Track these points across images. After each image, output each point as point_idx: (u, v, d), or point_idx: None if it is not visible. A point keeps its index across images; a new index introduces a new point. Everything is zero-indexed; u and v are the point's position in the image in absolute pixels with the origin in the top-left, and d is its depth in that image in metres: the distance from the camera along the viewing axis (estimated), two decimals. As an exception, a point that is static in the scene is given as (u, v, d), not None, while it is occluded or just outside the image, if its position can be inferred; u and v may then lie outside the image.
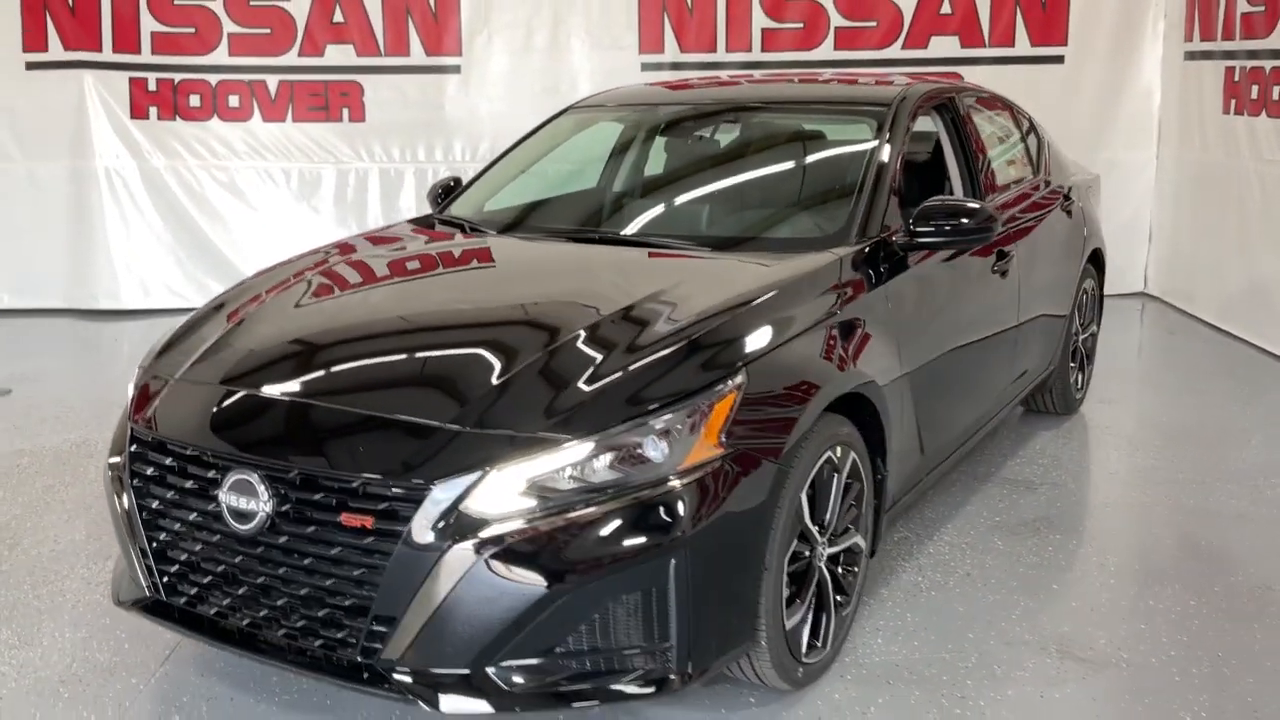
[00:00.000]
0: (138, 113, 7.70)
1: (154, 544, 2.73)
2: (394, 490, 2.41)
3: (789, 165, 3.90)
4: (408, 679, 2.42)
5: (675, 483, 2.45)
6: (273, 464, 2.52)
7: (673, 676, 2.51)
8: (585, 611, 2.41)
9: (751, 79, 5.03)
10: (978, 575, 3.65)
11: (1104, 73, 7.78)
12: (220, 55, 7.71)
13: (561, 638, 2.42)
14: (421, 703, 2.42)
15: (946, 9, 7.66)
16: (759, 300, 2.89)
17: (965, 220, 3.44)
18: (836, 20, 7.68)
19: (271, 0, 7.67)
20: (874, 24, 7.69)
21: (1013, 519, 4.09)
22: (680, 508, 2.44)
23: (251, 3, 7.66)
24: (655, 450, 2.48)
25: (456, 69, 7.75)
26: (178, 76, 7.70)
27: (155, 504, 2.71)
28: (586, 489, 2.42)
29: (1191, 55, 7.39)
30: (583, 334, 2.74)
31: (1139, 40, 7.76)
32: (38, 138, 7.62)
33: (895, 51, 7.71)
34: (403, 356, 2.84)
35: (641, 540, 2.41)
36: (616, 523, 2.40)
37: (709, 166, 4.03)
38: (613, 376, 2.57)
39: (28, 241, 7.73)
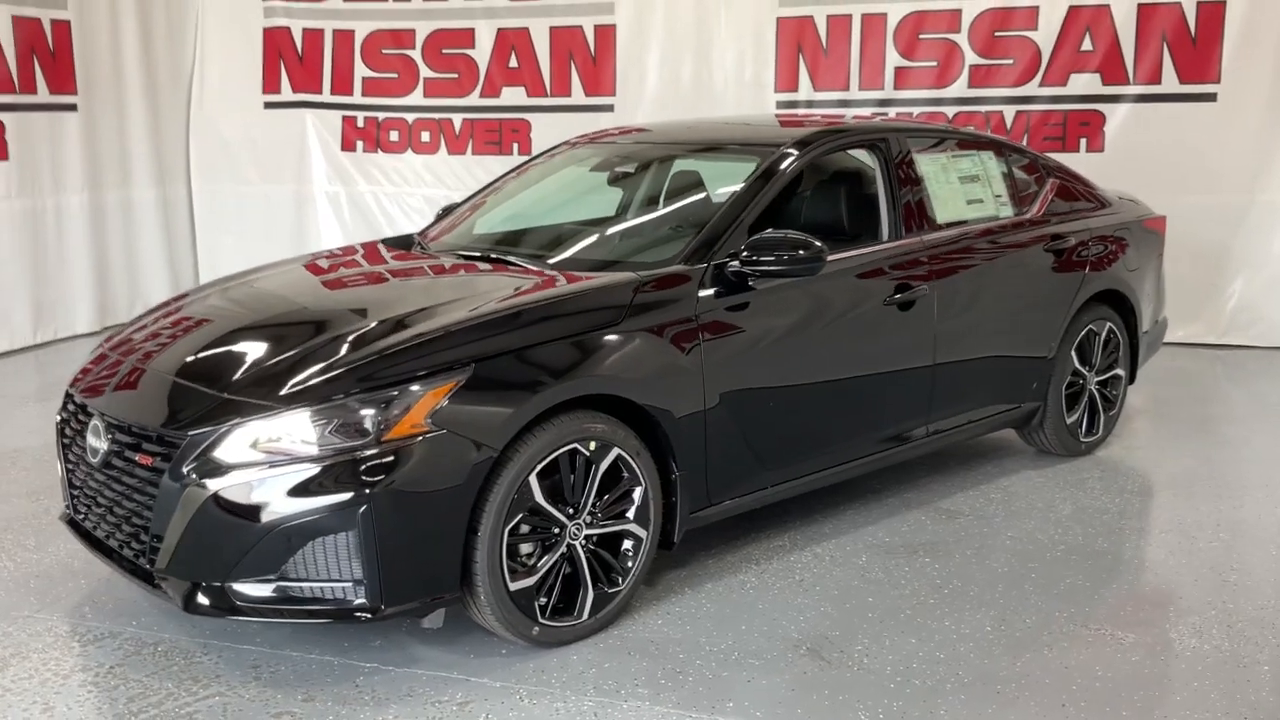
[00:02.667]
0: (347, 146, 9.03)
1: (69, 473, 3.63)
2: (166, 437, 3.16)
3: (681, 199, 4.34)
4: (168, 585, 3.15)
5: (375, 450, 3.04)
6: (109, 415, 3.35)
7: (381, 606, 3.09)
8: (294, 545, 3.04)
9: (693, 126, 5.34)
10: (810, 583, 3.92)
11: (1264, 111, 7.35)
12: (416, 97, 8.90)
13: (278, 565, 3.06)
14: (180, 606, 3.14)
15: (1088, 45, 7.54)
16: (521, 310, 3.43)
17: (800, 252, 3.76)
18: (971, 58, 7.76)
19: (460, 49, 8.76)
20: (1010, 61, 7.70)
21: (900, 542, 4.27)
22: (375, 470, 3.02)
23: (444, 51, 8.80)
24: (368, 422, 3.07)
25: (610, 107, 8.50)
26: (381, 115, 8.97)
27: (67, 442, 3.62)
28: (305, 447, 3.05)
29: (1354, 92, 6.89)
30: (359, 330, 3.37)
31: (1303, 77, 7.29)
32: (271, 166, 9.12)
33: (1033, 89, 7.68)
34: (229, 344, 3.54)
35: (339, 493, 3.01)
36: (321, 476, 3.02)
37: (624, 199, 4.54)
38: (350, 364, 3.19)
39: (260, 251, 9.19)
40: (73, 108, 8.06)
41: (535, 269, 3.92)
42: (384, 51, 8.91)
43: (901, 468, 5.01)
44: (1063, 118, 7.65)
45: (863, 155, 4.54)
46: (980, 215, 4.79)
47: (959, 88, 7.81)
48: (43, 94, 7.82)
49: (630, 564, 3.56)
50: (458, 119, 8.84)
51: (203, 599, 3.11)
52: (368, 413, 3.08)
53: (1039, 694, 3.19)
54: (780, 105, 8.13)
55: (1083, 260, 5.06)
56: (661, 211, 4.49)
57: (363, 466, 3.03)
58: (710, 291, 3.74)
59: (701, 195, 4.39)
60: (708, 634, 3.54)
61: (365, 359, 3.20)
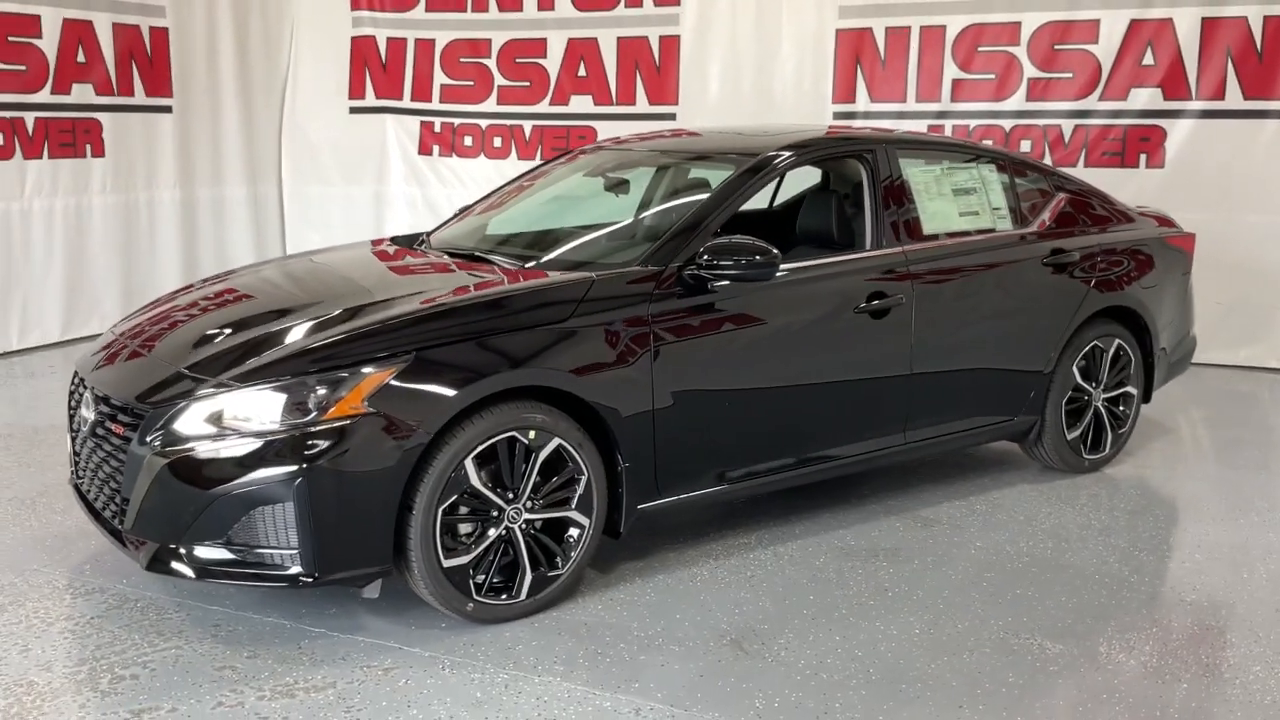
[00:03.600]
0: (424, 150, 9.42)
1: (73, 440, 3.98)
2: (135, 409, 3.46)
3: (663, 204, 4.50)
4: (133, 545, 3.45)
5: (313, 429, 3.28)
6: (96, 389, 3.68)
7: (316, 574, 3.33)
8: (237, 513, 3.30)
9: (690, 133, 5.45)
10: (759, 579, 4.02)
11: (1335, 128, 7.12)
12: (491, 104, 9.23)
13: (224, 530, 3.33)
14: (143, 565, 3.43)
15: (1149, 60, 7.41)
16: (468, 304, 3.66)
17: (756, 257, 3.90)
18: (1030, 71, 7.69)
19: (533, 58, 9.06)
20: (1069, 75, 7.61)
21: (865, 545, 4.33)
22: (311, 447, 3.26)
23: (517, 60, 9.10)
24: (310, 403, 3.32)
25: (673, 116, 8.68)
26: (457, 121, 9.33)
27: (73, 412, 3.97)
28: (250, 423, 3.32)
29: None
30: (318, 318, 3.64)
31: (1376, 93, 7.03)
32: (353, 168, 9.57)
33: (1092, 103, 7.57)
34: (213, 329, 3.81)
35: (277, 466, 3.26)
36: (262, 450, 3.28)
37: (617, 204, 4.72)
38: (298, 349, 3.44)
39: (341, 249, 9.67)
40: (168, 109, 8.60)
41: (509, 267, 4.13)
42: (462, 60, 9.26)
43: (895, 475, 5.06)
44: (1122, 133, 7.53)
45: (850, 165, 4.62)
46: (974, 228, 4.81)
47: (1017, 101, 7.75)
48: (139, 96, 8.37)
49: (573, 550, 3.73)
50: (528, 125, 9.13)
51: (161, 560, 3.40)
52: (309, 394, 3.32)
53: (941, 695, 3.25)
54: (837, 116, 8.19)
55: (1087, 275, 5.02)
56: (640, 216, 4.66)
57: (300, 443, 3.27)
58: (668, 293, 3.88)
59: (682, 201, 4.53)
60: (641, 620, 3.69)
61: (311, 345, 3.46)
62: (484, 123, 9.26)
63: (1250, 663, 3.46)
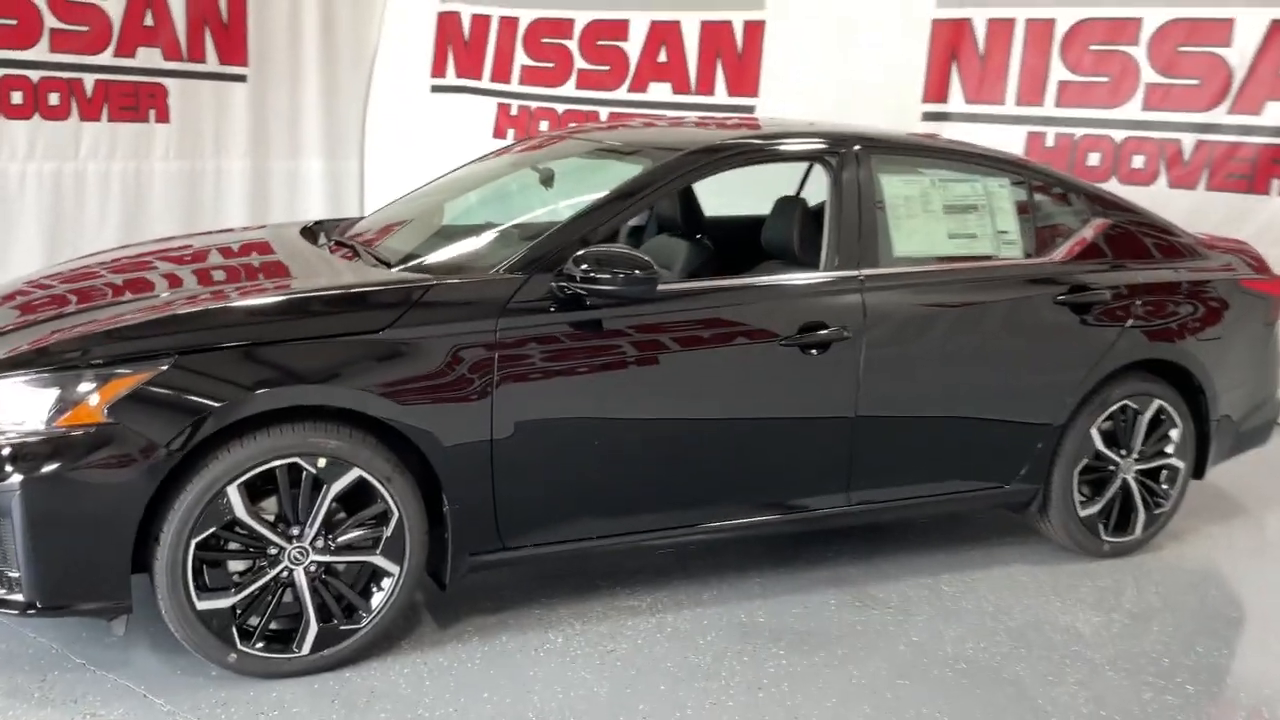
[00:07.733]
0: (499, 133, 8.98)
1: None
2: None
3: (568, 201, 3.86)
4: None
5: (40, 436, 2.84)
6: None
7: (36, 603, 2.90)
8: (-39, 525, 2.90)
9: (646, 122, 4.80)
10: (618, 656, 3.37)
11: None
12: (569, 88, 8.72)
13: (-43, 544, 2.93)
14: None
15: (1291, 68, 6.26)
16: (251, 305, 3.16)
17: (636, 271, 3.27)
18: (1148, 76, 6.62)
19: (614, 41, 8.51)
20: (1195, 82, 6.51)
21: (774, 626, 3.61)
22: (36, 455, 2.82)
23: (599, 43, 8.57)
24: (41, 404, 2.86)
25: (752, 108, 7.97)
26: (534, 104, 8.85)
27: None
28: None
29: None
30: (98, 312, 3.19)
31: None
32: (429, 148, 9.16)
33: (1219, 116, 6.45)
34: (27, 309, 3.40)
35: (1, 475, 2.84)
36: (-9, 454, 2.85)
37: (539, 198, 4.12)
38: (53, 345, 2.98)
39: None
40: (241, 79, 8.44)
41: (364, 266, 3.60)
42: (543, 41, 8.79)
43: (868, 538, 4.28)
44: (1253, 153, 6.37)
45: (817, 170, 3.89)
46: (966, 253, 3.99)
47: (1131, 109, 6.68)
48: (211, 63, 8.23)
49: (373, 604, 3.18)
50: (604, 112, 8.57)
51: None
52: (42, 394, 2.88)
53: None
54: (926, 117, 7.30)
55: (1119, 320, 4.11)
56: (534, 215, 4.04)
57: (28, 450, 2.84)
58: (528, 307, 3.27)
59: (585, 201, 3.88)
60: (438, 696, 3.10)
61: (68, 342, 3.00)
62: (561, 107, 8.75)
63: None
